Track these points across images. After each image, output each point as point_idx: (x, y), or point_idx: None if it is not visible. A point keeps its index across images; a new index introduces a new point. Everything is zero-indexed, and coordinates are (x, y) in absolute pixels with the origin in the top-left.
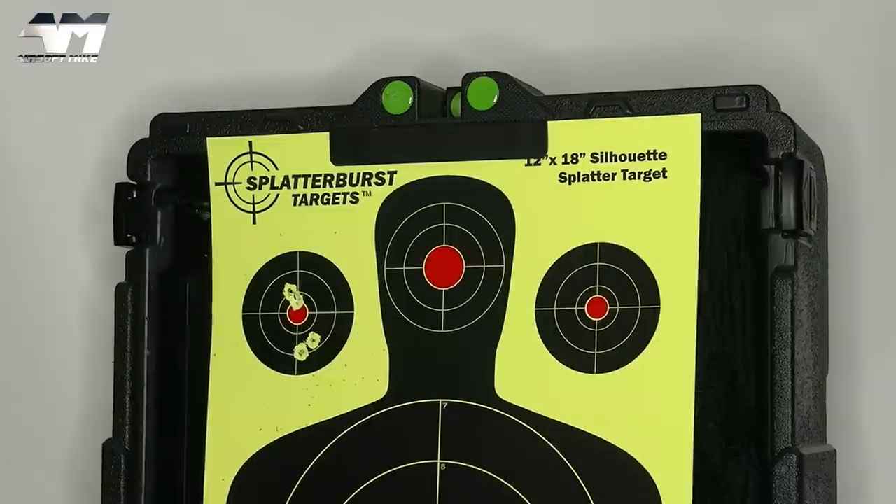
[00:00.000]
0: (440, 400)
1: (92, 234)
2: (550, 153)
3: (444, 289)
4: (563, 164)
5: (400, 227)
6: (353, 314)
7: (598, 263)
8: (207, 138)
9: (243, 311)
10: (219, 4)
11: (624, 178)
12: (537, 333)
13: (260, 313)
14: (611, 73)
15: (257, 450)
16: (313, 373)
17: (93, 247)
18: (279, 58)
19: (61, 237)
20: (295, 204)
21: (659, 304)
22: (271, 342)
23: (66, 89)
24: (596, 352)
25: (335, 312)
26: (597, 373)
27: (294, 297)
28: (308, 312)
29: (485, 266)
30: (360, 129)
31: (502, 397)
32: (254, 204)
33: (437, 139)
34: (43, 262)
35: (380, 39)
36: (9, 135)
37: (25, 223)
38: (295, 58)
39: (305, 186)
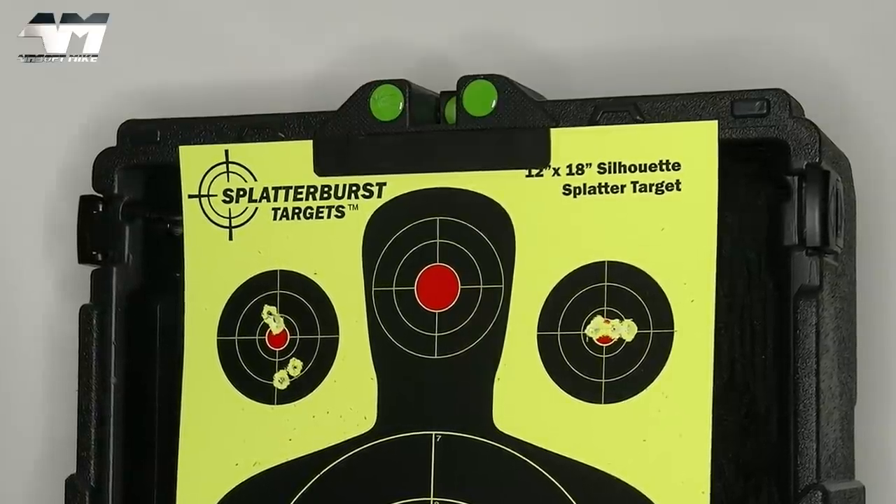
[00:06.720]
0: (433, 432)
1: (54, 250)
2: (553, 163)
3: (437, 311)
4: (568, 175)
5: (389, 243)
6: (338, 338)
7: (605, 283)
8: (180, 147)
9: (218, 336)
10: (208, 4)
11: (634, 191)
12: (539, 360)
13: (236, 337)
14: (619, 76)
15: (233, 486)
16: (295, 402)
17: (55, 265)
18: (259, 59)
19: (21, 254)
20: (275, 218)
21: (672, 327)
22: (249, 369)
23: (29, 95)
24: (603, 380)
25: (318, 337)
26: (604, 403)
27: (274, 320)
28: (289, 337)
29: (482, 286)
30: (346, 136)
31: (501, 429)
32: (230, 218)
33: (430, 148)
34: (0, 282)
35: (368, 39)
36: None
37: None
38: (276, 59)
39: (286, 199)
